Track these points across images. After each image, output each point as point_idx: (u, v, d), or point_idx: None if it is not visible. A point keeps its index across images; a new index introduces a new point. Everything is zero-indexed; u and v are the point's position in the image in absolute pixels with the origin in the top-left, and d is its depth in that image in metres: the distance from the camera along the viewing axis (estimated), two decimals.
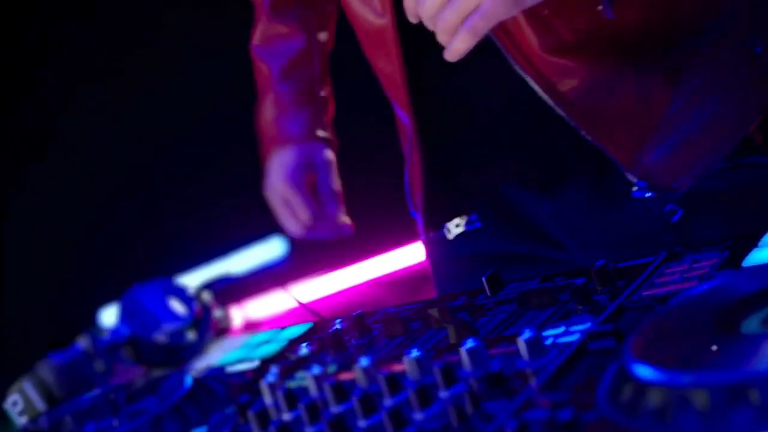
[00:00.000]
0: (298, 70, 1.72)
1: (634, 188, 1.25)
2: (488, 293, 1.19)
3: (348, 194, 1.72)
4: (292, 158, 1.66)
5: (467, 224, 1.43)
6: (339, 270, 3.80)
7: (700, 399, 0.71)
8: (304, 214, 1.64)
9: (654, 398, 0.74)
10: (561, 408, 0.81)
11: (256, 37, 1.75)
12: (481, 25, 1.06)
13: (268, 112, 1.72)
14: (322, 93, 1.74)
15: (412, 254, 3.97)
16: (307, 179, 1.67)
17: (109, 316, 3.35)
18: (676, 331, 0.83)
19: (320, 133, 1.71)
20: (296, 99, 1.70)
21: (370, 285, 3.79)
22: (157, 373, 1.39)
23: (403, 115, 1.43)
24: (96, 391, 1.33)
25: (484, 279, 1.18)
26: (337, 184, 1.69)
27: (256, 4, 1.78)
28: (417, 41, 1.27)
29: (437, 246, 1.49)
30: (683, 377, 0.73)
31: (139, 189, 3.86)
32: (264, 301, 3.60)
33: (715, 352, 0.76)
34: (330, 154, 1.71)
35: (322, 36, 1.75)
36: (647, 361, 0.77)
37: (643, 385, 0.75)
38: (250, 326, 3.92)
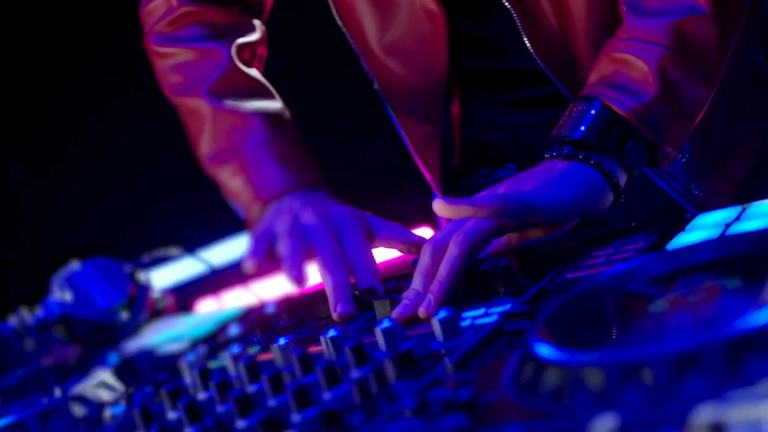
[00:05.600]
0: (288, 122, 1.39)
1: None
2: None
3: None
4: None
5: (503, 171, 1.40)
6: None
7: (593, 378, 0.68)
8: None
9: (551, 378, 0.72)
10: (463, 388, 0.79)
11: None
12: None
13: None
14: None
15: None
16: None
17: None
18: (584, 313, 0.81)
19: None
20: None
21: None
22: (91, 351, 1.37)
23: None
24: (25, 370, 1.31)
25: (414, 261, 1.16)
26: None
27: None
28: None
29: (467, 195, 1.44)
30: (579, 356, 0.71)
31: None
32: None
33: (616, 332, 0.74)
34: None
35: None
36: (549, 341, 0.75)
37: (542, 365, 0.73)
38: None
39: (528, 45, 1.28)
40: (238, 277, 3.70)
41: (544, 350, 0.74)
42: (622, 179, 1.10)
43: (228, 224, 3.82)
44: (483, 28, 1.36)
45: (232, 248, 3.93)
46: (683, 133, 1.12)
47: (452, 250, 1.03)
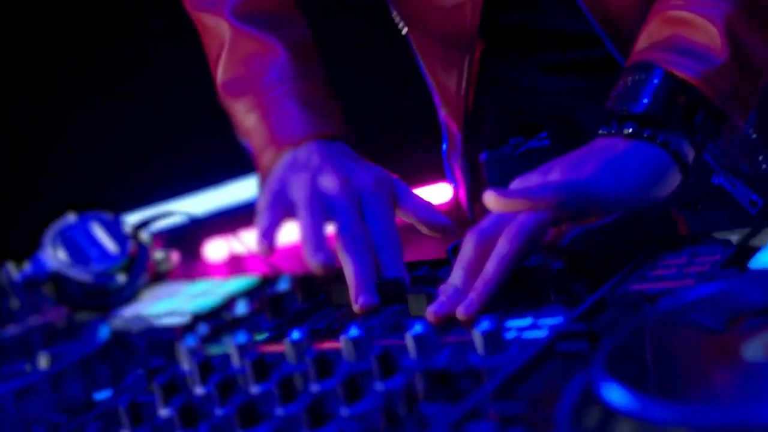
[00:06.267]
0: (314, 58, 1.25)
1: None
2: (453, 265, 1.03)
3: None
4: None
5: (535, 140, 1.26)
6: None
7: None
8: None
9: (623, 430, 0.59)
10: (510, 425, 0.66)
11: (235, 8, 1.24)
12: None
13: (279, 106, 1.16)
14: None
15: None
16: None
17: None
18: (662, 345, 0.68)
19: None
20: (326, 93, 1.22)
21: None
22: (82, 315, 1.24)
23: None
24: (9, 330, 1.18)
25: (449, 249, 1.03)
26: None
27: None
28: None
29: (495, 166, 1.31)
30: (662, 410, 0.57)
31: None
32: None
33: (707, 379, 0.60)
34: None
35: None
36: (620, 380, 0.62)
37: (611, 412, 0.60)
38: (235, 260, 3.79)
39: None
40: (220, 227, 3.64)
41: (614, 394, 0.61)
42: (690, 157, 0.96)
43: (207, 176, 3.81)
44: None
45: (212, 199, 3.87)
46: (751, 100, 0.98)
47: (503, 246, 0.90)
